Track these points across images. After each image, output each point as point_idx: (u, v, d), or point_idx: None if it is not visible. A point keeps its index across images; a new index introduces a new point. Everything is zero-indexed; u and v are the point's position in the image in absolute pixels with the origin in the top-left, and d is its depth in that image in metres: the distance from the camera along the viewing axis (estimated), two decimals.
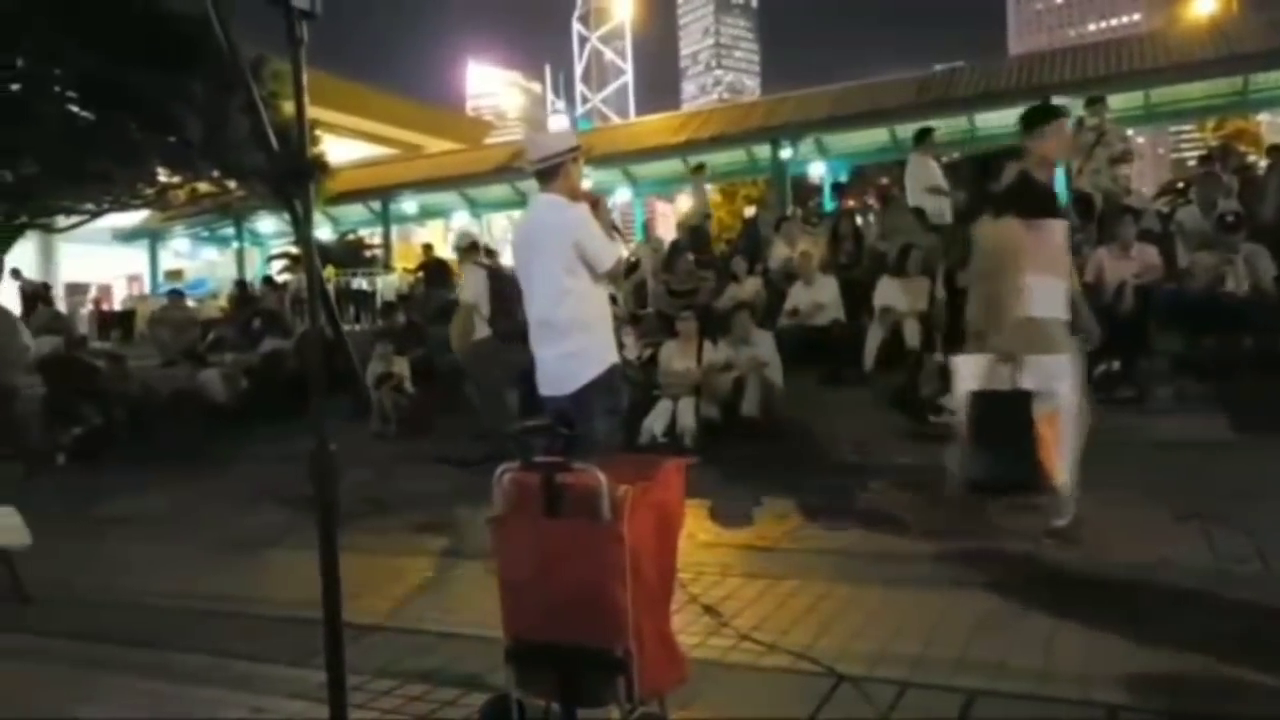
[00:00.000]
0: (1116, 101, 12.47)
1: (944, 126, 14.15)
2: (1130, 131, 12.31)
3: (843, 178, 18.74)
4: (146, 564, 5.10)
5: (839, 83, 20.19)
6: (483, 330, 7.21)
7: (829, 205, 17.72)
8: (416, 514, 5.84)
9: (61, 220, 18.61)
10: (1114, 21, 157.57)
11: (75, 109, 15.13)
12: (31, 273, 23.21)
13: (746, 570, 4.23)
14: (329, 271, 19.81)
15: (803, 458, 6.65)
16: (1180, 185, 13.04)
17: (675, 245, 10.87)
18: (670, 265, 9.57)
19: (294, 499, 6.86)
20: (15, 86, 14.79)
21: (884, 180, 16.59)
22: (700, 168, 13.21)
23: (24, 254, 20.54)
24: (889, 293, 8.01)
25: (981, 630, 3.22)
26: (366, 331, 13.82)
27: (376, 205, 22.69)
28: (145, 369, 11.41)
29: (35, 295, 16.77)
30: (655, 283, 9.43)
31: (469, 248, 8.46)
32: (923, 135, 10.44)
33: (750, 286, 8.92)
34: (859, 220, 10.57)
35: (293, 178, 1.54)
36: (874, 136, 18.32)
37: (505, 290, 7.12)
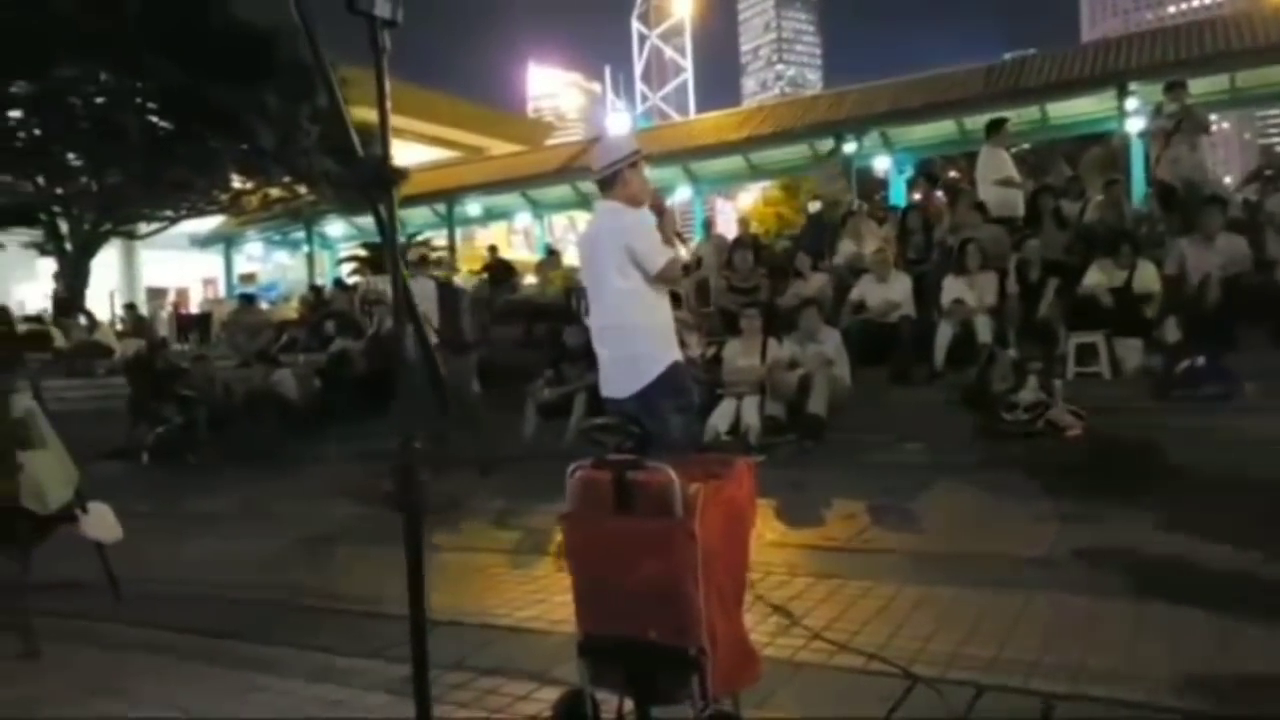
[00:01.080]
0: (1198, 86, 12.01)
1: (1015, 116, 13.81)
2: (1214, 116, 11.89)
3: (909, 171, 18.45)
4: (228, 559, 5.26)
5: (904, 75, 19.83)
6: (431, 338, 7.35)
7: (896, 199, 17.48)
8: (480, 510, 5.92)
9: (142, 227, 19.31)
10: (1194, 3, 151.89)
11: (156, 120, 15.67)
12: (114, 277, 24.13)
13: (814, 570, 4.19)
14: None
15: (870, 456, 6.57)
16: (1268, 172, 12.55)
17: (737, 242, 10.82)
18: (732, 262, 9.52)
19: (365, 496, 7.02)
20: (100, 100, 15.36)
21: (952, 173, 16.23)
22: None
23: (108, 260, 21.33)
24: (956, 289, 7.87)
25: (1059, 633, 3.15)
26: (437, 332, 14.04)
27: (441, 208, 23.01)
28: (222, 370, 11.74)
29: (65, 304, 17.18)
30: (717, 280, 9.39)
31: (420, 261, 8.88)
32: (995, 126, 10.20)
33: (815, 283, 8.83)
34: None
35: (377, 184, 1.57)
36: (941, 129, 17.97)
37: (452, 301, 7.94)
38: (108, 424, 10.06)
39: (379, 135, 1.69)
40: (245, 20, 15.63)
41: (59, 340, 14.30)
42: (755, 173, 22.14)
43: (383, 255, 21.04)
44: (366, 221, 22.76)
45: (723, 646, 2.23)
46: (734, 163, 20.37)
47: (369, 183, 1.59)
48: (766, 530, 4.87)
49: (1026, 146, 10.18)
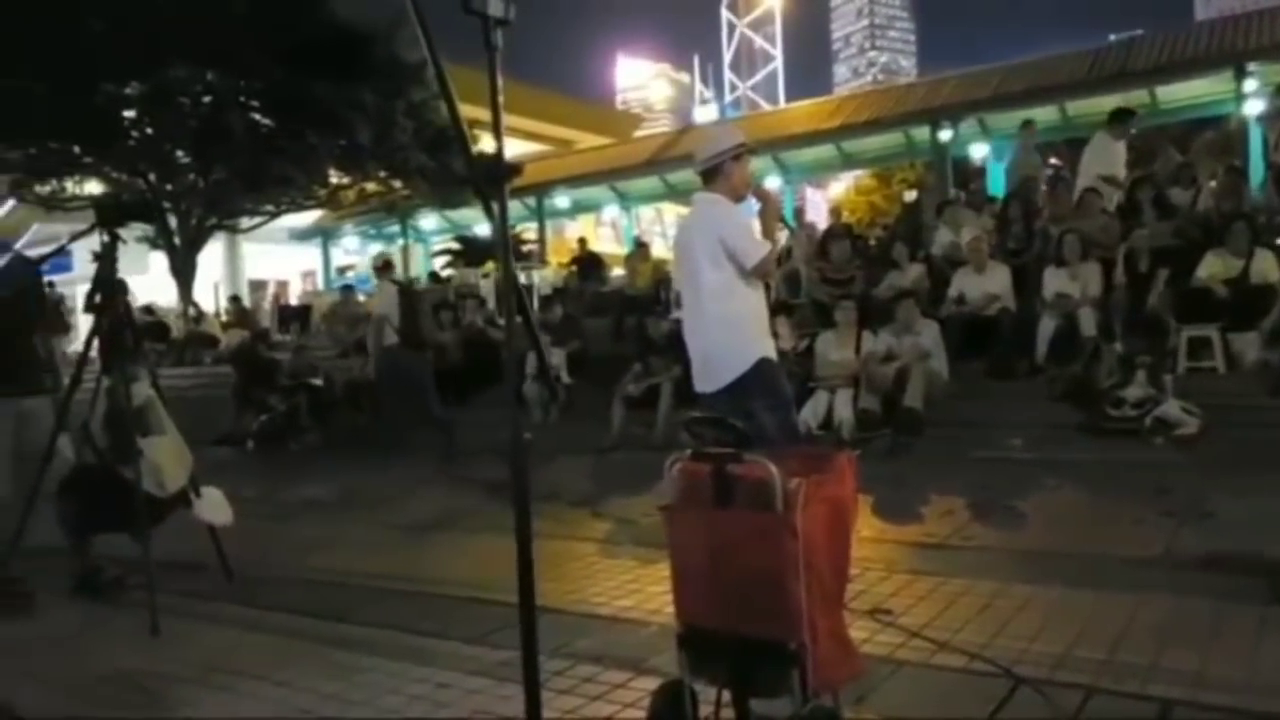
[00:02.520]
0: None
1: (1121, 101, 13.23)
2: None
3: (1007, 159, 17.85)
4: (331, 543, 5.43)
5: (1003, 60, 19.21)
6: (392, 338, 8.23)
7: (994, 188, 16.96)
8: (576, 500, 5.98)
9: (245, 221, 20.04)
10: None
11: (259, 118, 16.26)
12: (218, 270, 25.11)
13: (912, 567, 4.12)
14: (489, 265, 20.53)
15: (969, 452, 6.42)
16: None
17: (830, 232, 10.65)
18: (825, 253, 9.38)
19: (461, 483, 7.18)
20: (207, 99, 16.01)
21: (1053, 160, 15.66)
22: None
23: (213, 253, 22.22)
24: (1057, 281, 7.61)
25: (1174, 637, 3.02)
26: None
27: (531, 201, 23.30)
28: (321, 359, 12.12)
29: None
30: (809, 271, 9.27)
31: (384, 266, 9.35)
32: (1118, 116, 9.62)
33: (912, 274, 8.64)
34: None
35: (490, 179, 1.60)
36: (1041, 115, 17.35)
37: (412, 304, 8.58)
38: (214, 411, 10.50)
39: (488, 131, 1.72)
40: (343, 20, 16.12)
41: (175, 331, 15.03)
42: (848, 161, 21.80)
43: (474, 248, 21.38)
44: (458, 215, 23.43)
45: (823, 642, 2.21)
46: (826, 152, 20.08)
47: (482, 178, 1.62)
48: (862, 526, 4.78)
49: (1134, 131, 9.69)
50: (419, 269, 23.96)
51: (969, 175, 17.12)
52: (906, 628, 3.28)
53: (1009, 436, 6.60)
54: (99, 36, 13.74)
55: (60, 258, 4.80)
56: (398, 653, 3.25)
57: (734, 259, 3.81)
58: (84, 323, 10.12)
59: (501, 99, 1.61)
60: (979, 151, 18.30)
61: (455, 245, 25.65)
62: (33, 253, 3.52)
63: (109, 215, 3.94)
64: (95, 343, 4.04)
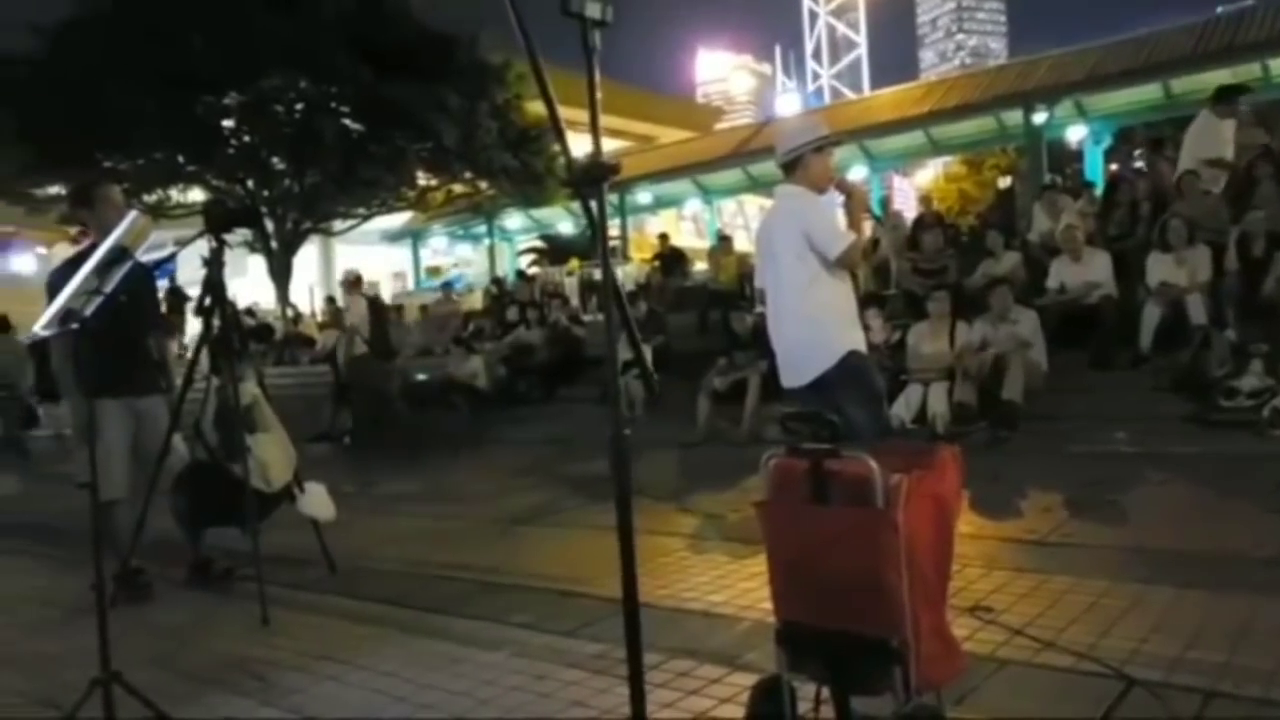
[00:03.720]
0: None
1: (1230, 76, 12.60)
2: None
3: (1106, 141, 17.22)
4: (428, 536, 5.57)
5: (1100, 38, 18.47)
6: (361, 348, 9.18)
7: (1092, 172, 16.36)
8: (663, 495, 6.00)
9: (338, 224, 20.61)
10: None
11: (349, 123, 16.70)
12: (312, 272, 25.90)
13: (1013, 564, 4.01)
14: (573, 264, 20.73)
15: (1070, 445, 6.21)
16: None
17: (920, 221, 10.42)
18: (916, 242, 9.18)
19: (550, 478, 7.28)
20: (300, 106, 16.52)
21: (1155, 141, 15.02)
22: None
23: (308, 256, 22.93)
24: (1162, 267, 7.29)
25: None
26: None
27: (614, 198, 23.41)
28: (416, 358, 12.41)
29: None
30: (899, 262, 9.09)
31: (354, 281, 10.41)
32: (1226, 93, 8.91)
33: (1008, 262, 8.39)
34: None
35: (588, 180, 1.62)
36: (1143, 94, 16.65)
37: (381, 317, 9.73)
38: (312, 409, 10.85)
39: (574, 131, 1.73)
40: (427, 24, 16.46)
41: (279, 333, 15.59)
42: (936, 148, 21.31)
43: (558, 247, 21.60)
44: (543, 214, 23.71)
45: (926, 639, 2.16)
46: (913, 139, 19.67)
47: (581, 178, 1.63)
48: (961, 522, 4.69)
49: (1244, 109, 9.10)
50: (505, 268, 24.32)
51: (1065, 159, 16.57)
52: (1008, 626, 3.19)
53: (1112, 429, 6.36)
54: (200, 53, 14.33)
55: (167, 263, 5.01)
56: (496, 644, 3.31)
57: (817, 251, 3.76)
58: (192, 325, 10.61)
59: (599, 97, 1.62)
60: (1076, 134, 17.68)
61: (540, 244, 25.96)
62: (144, 259, 3.67)
63: (216, 221, 4.10)
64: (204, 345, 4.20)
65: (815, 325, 3.81)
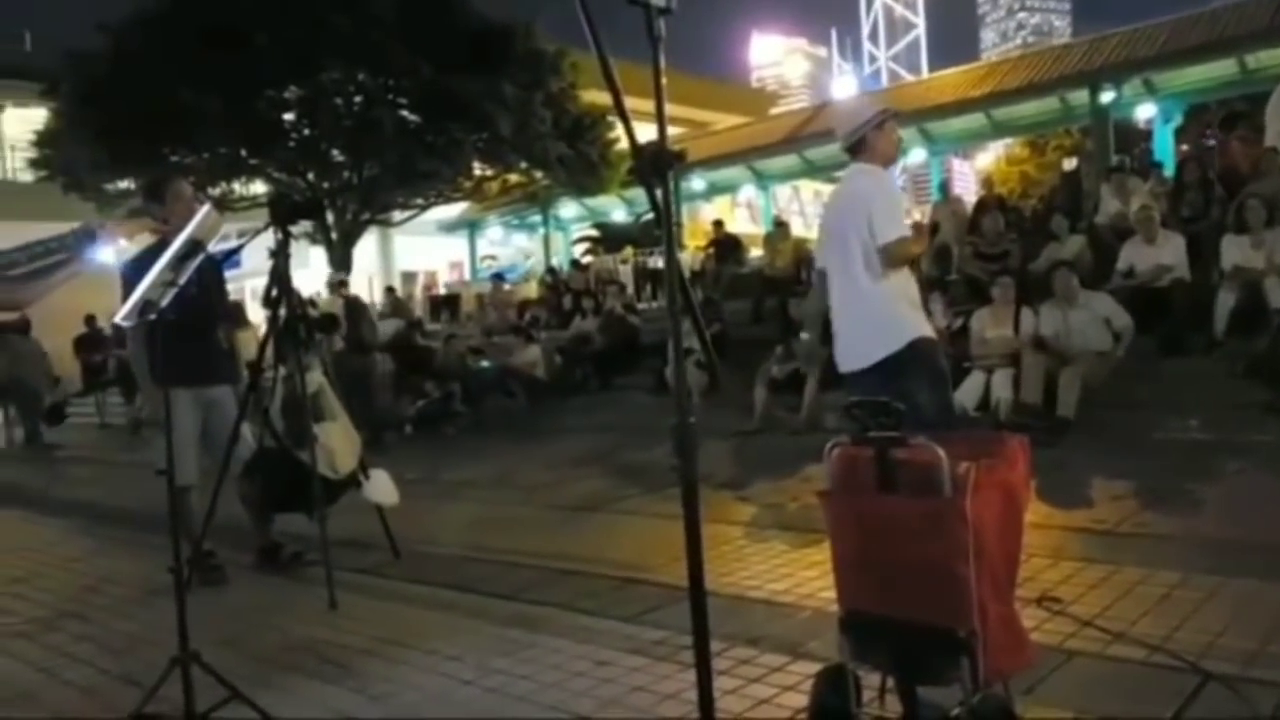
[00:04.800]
0: None
1: None
2: None
3: (1177, 119, 16.67)
4: (490, 522, 5.64)
5: (1169, 13, 17.87)
6: (339, 344, 9.80)
7: (1162, 152, 15.85)
8: (721, 483, 5.99)
9: (396, 215, 20.90)
10: None
11: (407, 115, 16.90)
12: (371, 263, 26.32)
13: (1082, 554, 3.93)
14: (627, 252, 20.74)
15: (1140, 433, 6.04)
16: None
17: (982, 204, 10.21)
18: (977, 226, 9.00)
19: (609, 466, 7.31)
20: (359, 99, 16.76)
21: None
22: None
23: (368, 247, 23.29)
24: (1238, 250, 7.03)
25: None
26: (665, 309, 14.31)
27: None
28: (469, 347, 12.53)
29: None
30: (960, 246, 8.91)
31: (338, 284, 11.78)
32: None
33: (1073, 245, 8.17)
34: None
35: (653, 168, 1.61)
36: (1217, 70, 16.08)
37: (357, 316, 10.61)
38: (373, 397, 11.02)
39: (626, 121, 1.72)
40: (483, 15, 16.58)
41: (342, 324, 15.88)
42: (998, 130, 20.87)
43: (612, 235, 21.62)
44: (597, 202, 23.75)
45: (994, 630, 2.14)
46: (974, 121, 19.29)
47: (646, 166, 1.63)
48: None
49: None
50: (560, 257, 24.43)
51: (1133, 139, 16.09)
52: (1077, 617, 3.13)
53: (1184, 417, 6.17)
54: (262, 48, 14.62)
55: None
56: (560, 630, 3.34)
57: (872, 233, 3.66)
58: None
59: (664, 83, 1.61)
60: (1144, 113, 17.16)
61: (595, 232, 26.02)
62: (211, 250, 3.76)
63: (281, 214, 4.18)
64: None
65: (882, 308, 3.72)
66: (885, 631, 2.21)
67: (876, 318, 3.73)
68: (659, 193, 1.66)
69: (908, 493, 2.17)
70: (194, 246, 2.60)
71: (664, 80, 1.60)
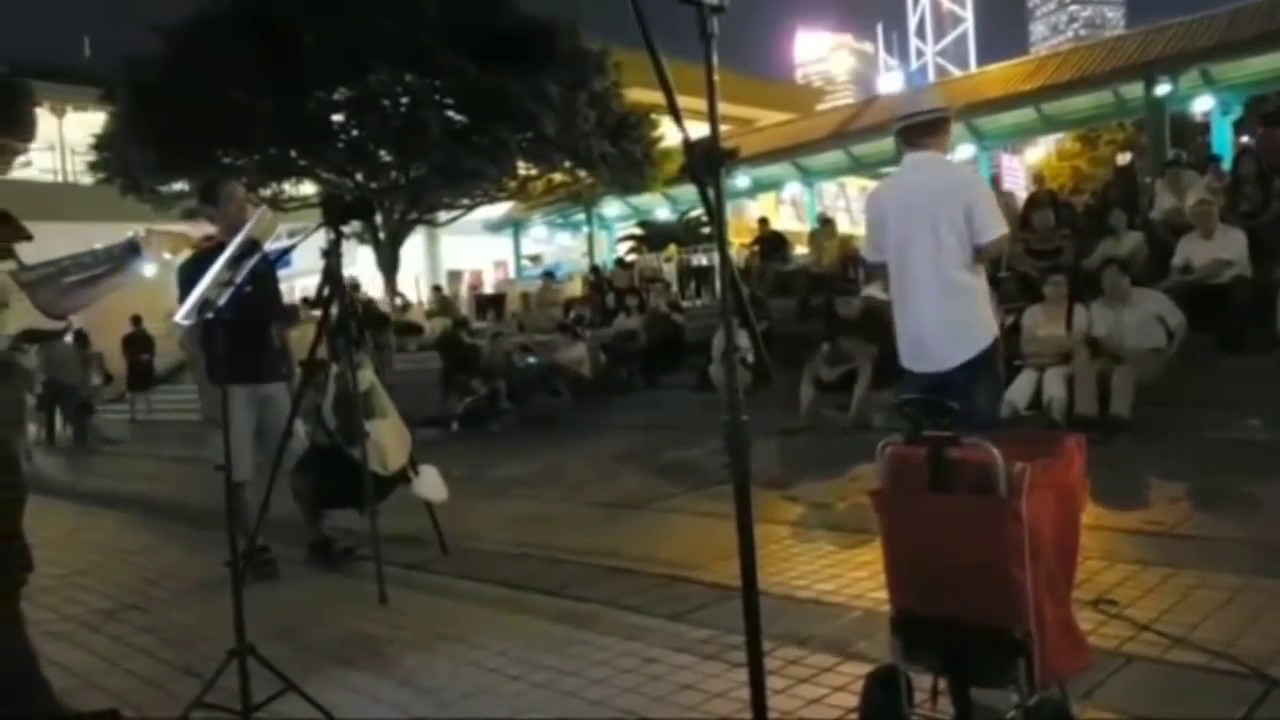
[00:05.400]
0: None
1: None
2: None
3: (1236, 112, 16.22)
4: (536, 519, 5.68)
5: (1227, 4, 17.39)
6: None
7: (1220, 146, 15.44)
8: (766, 482, 5.95)
9: (443, 215, 21.10)
10: None
11: (453, 115, 17.05)
12: (418, 263, 26.60)
13: (1137, 556, 3.85)
14: (671, 250, 20.72)
15: (1198, 433, 5.90)
16: None
17: (1033, 200, 10.03)
18: (1028, 222, 8.84)
19: (653, 464, 7.32)
20: (406, 100, 16.94)
21: None
22: None
23: (414, 246, 23.55)
24: None
25: None
26: (710, 307, 14.30)
27: None
28: (518, 344, 12.62)
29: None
30: (1011, 243, 8.76)
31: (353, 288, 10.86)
32: None
33: (1130, 242, 8.00)
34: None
35: (706, 166, 1.61)
36: (1278, 61, 15.63)
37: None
38: (420, 395, 11.15)
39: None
40: (528, 15, 16.66)
41: (392, 321, 16.12)
42: (1049, 125, 20.51)
43: (655, 233, 21.62)
44: (641, 200, 23.75)
45: (1051, 632, 2.11)
46: (1024, 115, 18.99)
47: (699, 164, 1.63)
48: None
49: None
50: (604, 256, 24.47)
51: (1190, 133, 15.71)
52: (1135, 620, 3.07)
53: (1244, 415, 6.02)
54: (311, 51, 14.85)
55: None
56: (606, 627, 3.35)
57: (973, 229, 3.47)
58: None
59: (716, 79, 1.61)
60: (1202, 106, 16.73)
61: (638, 230, 26.05)
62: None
63: (334, 213, 4.24)
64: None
65: (972, 306, 3.54)
66: (938, 632, 2.19)
67: (967, 317, 3.54)
68: (711, 191, 1.65)
69: (962, 492, 2.14)
70: (251, 246, 2.65)
71: (716, 77, 1.59)
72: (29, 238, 2.54)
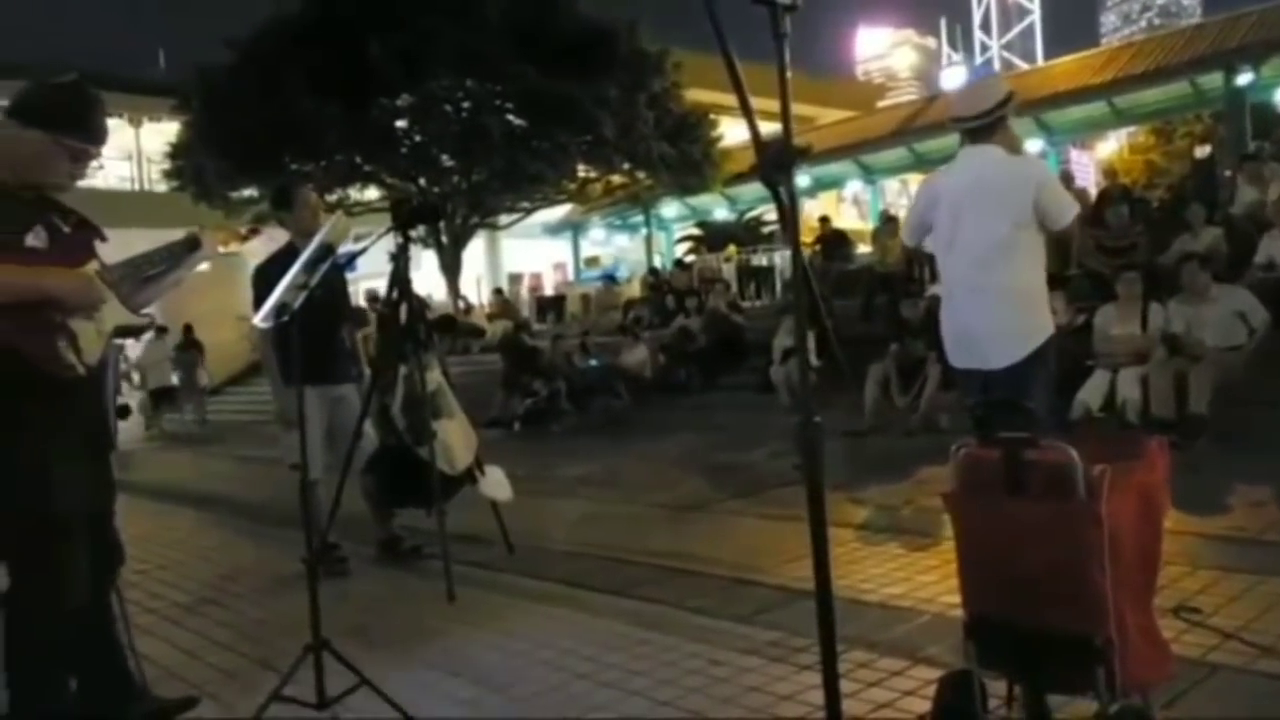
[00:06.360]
0: None
1: None
2: None
3: None
4: (600, 519, 5.71)
5: None
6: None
7: None
8: (831, 484, 5.87)
9: (503, 218, 21.33)
10: None
11: (513, 120, 17.22)
12: (479, 265, 26.90)
13: (1221, 563, 3.72)
14: (730, 250, 20.65)
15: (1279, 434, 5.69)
16: None
17: (1105, 195, 9.77)
18: (1100, 218, 8.61)
19: (714, 466, 7.30)
20: (467, 105, 17.17)
21: None
22: None
23: (476, 250, 23.83)
24: None
25: None
26: (770, 307, 14.21)
27: None
28: (578, 345, 12.70)
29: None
30: (1082, 239, 8.54)
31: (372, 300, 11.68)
32: None
33: (1208, 237, 7.74)
34: None
35: (777, 166, 1.60)
36: None
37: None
38: (483, 396, 11.29)
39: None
40: (588, 18, 16.75)
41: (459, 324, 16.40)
42: (1120, 118, 19.96)
43: (714, 233, 21.54)
44: (698, 201, 23.71)
45: (1132, 638, 2.05)
46: (1095, 109, 18.49)
47: (770, 165, 1.62)
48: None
49: None
50: (663, 257, 24.47)
51: (1272, 124, 15.12)
52: (1219, 628, 2.97)
53: None
54: (375, 58, 15.13)
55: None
56: (672, 628, 3.35)
57: (1046, 218, 3.43)
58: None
59: (789, 77, 1.60)
60: None
61: (697, 231, 26.00)
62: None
63: (402, 218, 4.31)
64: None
65: (1023, 304, 3.47)
66: (1014, 637, 2.14)
67: (1018, 315, 3.47)
68: (784, 191, 1.64)
69: (1039, 495, 2.09)
70: (325, 251, 2.71)
71: (789, 75, 1.58)
72: (104, 239, 2.67)
